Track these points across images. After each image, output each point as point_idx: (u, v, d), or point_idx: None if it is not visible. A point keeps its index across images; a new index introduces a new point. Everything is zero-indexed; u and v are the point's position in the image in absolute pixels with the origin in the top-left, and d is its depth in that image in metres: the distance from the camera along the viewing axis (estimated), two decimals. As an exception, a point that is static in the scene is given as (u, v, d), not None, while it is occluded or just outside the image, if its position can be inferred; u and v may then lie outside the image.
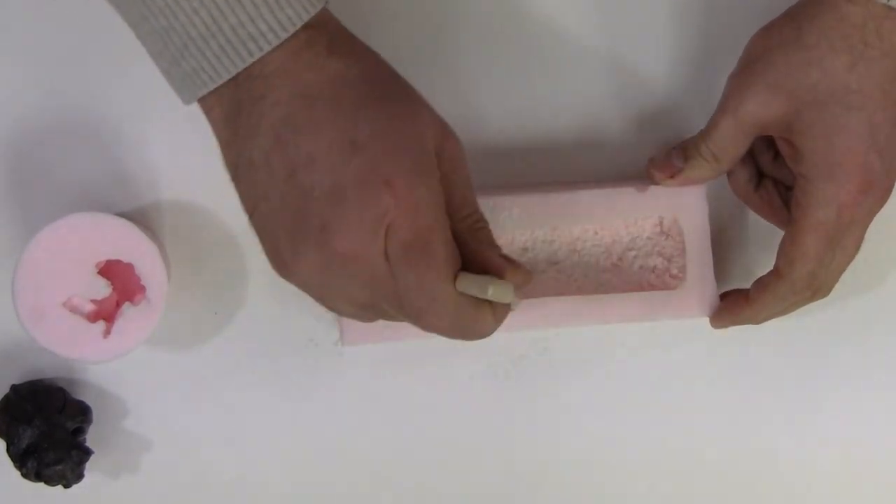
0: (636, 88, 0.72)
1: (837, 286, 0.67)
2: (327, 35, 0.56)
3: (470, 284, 0.56)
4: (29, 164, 0.69)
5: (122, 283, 0.66)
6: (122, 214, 0.67)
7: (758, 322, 0.69)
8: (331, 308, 0.59)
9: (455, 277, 0.56)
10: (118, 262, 0.66)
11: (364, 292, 0.56)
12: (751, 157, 0.69)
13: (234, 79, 0.55)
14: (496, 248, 0.59)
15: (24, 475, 0.68)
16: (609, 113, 0.72)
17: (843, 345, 0.74)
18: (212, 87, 0.55)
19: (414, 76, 0.65)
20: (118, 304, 0.66)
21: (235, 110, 0.56)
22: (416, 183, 0.54)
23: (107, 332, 0.66)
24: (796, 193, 0.65)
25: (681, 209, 0.70)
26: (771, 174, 0.69)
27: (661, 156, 0.69)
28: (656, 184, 0.69)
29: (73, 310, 0.66)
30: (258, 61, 0.55)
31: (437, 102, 0.63)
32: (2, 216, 0.70)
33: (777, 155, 0.68)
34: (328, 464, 0.72)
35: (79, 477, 0.69)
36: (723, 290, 0.71)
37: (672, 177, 0.68)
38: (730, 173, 0.70)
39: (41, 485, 0.68)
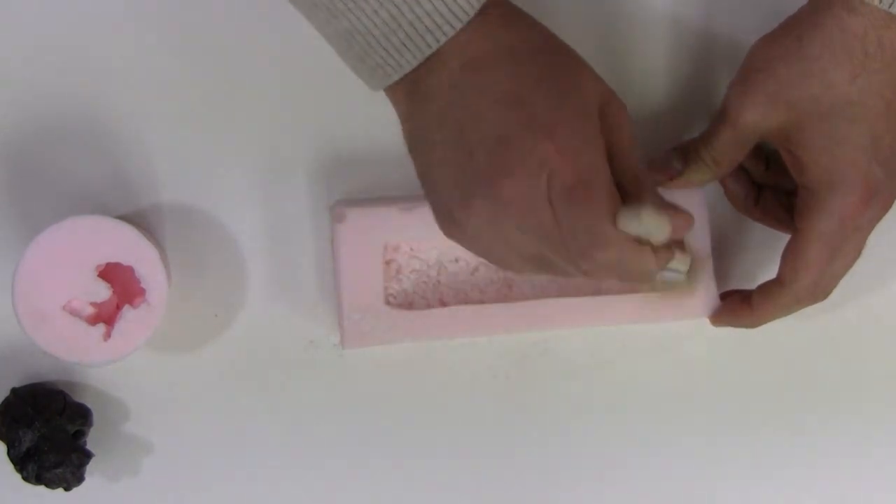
0: (636, 90, 0.72)
1: (837, 288, 0.67)
2: (500, 12, 0.59)
3: (627, 218, 0.57)
4: (29, 166, 0.69)
5: (122, 286, 0.66)
6: (122, 217, 0.67)
7: (759, 326, 0.69)
8: (498, 263, 0.61)
9: (615, 217, 0.57)
10: (118, 264, 0.66)
11: (531, 241, 0.58)
12: (744, 171, 0.69)
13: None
14: (657, 194, 0.60)
15: (25, 478, 0.68)
16: (609, 115, 0.72)
17: (844, 345, 0.74)
18: (396, 78, 0.59)
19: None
20: (118, 307, 0.66)
21: (414, 87, 0.59)
22: (577, 129, 0.57)
23: (107, 335, 0.66)
24: (798, 203, 0.65)
25: (681, 210, 0.70)
26: (767, 184, 0.69)
27: (660, 158, 0.68)
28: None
29: (74, 313, 0.66)
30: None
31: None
32: (2, 219, 0.70)
33: (769, 164, 0.68)
34: (329, 466, 0.72)
35: (79, 480, 0.69)
36: (723, 291, 0.71)
37: (671, 179, 0.68)
38: (727, 191, 0.70)
39: (42, 488, 0.68)
